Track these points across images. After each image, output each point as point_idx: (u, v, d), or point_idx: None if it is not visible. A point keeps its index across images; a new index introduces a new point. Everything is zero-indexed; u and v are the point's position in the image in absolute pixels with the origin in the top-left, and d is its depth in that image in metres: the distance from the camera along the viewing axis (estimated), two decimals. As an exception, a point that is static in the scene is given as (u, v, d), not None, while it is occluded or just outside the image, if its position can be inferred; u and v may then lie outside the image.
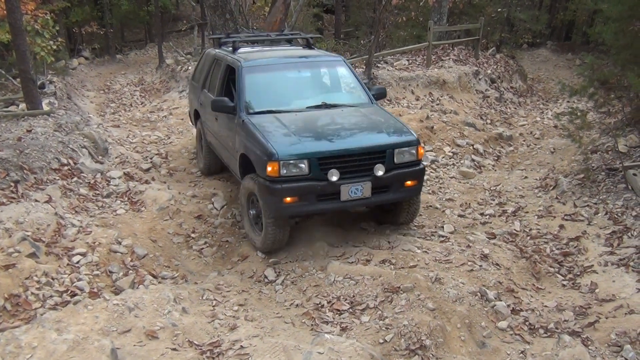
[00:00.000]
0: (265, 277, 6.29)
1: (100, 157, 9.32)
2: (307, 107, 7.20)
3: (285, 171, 6.01)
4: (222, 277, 6.34)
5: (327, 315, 5.50)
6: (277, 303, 5.84)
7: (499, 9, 21.00)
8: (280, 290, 6.04)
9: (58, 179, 7.77)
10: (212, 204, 8.14)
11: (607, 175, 8.59)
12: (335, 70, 8.08)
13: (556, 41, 27.41)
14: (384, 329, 5.24)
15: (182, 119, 13.16)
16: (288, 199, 6.05)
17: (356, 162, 6.24)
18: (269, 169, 6.02)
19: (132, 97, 17.05)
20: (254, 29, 16.04)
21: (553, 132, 12.90)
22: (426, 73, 14.99)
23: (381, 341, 5.08)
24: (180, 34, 28.51)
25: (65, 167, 8.22)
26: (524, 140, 12.66)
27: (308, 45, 8.91)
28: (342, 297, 5.71)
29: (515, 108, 16.10)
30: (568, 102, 15.34)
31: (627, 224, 7.20)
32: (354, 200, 6.31)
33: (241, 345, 4.90)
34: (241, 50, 8.33)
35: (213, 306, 5.69)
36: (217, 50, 8.96)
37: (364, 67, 14.62)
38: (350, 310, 5.51)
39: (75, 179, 8.11)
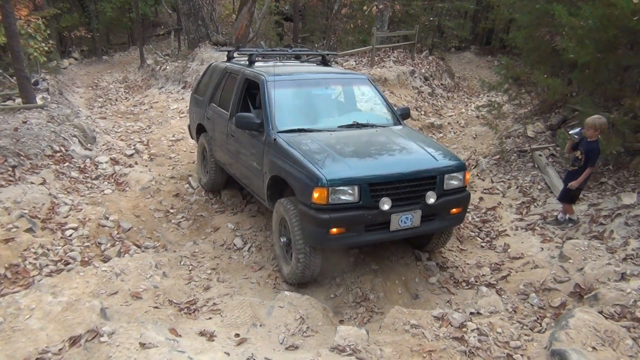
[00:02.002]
0: (234, 245, 6.27)
1: (89, 145, 9.07)
2: (339, 127, 5.79)
3: (333, 198, 4.63)
4: (197, 246, 6.29)
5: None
6: (244, 266, 5.84)
7: (431, 18, 21.17)
8: (247, 256, 6.04)
9: (51, 164, 7.54)
10: (189, 184, 8.03)
11: (518, 156, 8.81)
12: (361, 88, 6.62)
13: (478, 45, 27.78)
14: (334, 286, 5.31)
15: (161, 112, 12.90)
16: (335, 229, 4.66)
17: (408, 189, 4.91)
18: (316, 195, 4.62)
19: (117, 92, 16.59)
20: (223, 34, 15.79)
21: (475, 121, 13.12)
22: (370, 72, 15.00)
23: (332, 296, 5.15)
24: (159, 38, 27.84)
25: (58, 154, 7.98)
26: (451, 128, 12.85)
27: (324, 62, 7.38)
28: (299, 260, 5.74)
29: (445, 101, 16.31)
30: (487, 96, 15.59)
31: (533, 196, 7.42)
32: (403, 230, 4.94)
33: (214, 303, 4.90)
34: (257, 64, 6.85)
35: (189, 270, 5.65)
36: (228, 64, 7.32)
37: (318, 66, 14.54)
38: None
39: (66, 164, 7.88)
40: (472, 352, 3.92)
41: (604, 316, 4.27)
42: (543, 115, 10.05)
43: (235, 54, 7.65)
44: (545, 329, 4.38)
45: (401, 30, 19.94)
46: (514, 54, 11.81)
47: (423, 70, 17.22)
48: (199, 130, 7.94)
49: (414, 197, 4.93)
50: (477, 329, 4.15)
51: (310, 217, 4.69)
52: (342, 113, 6.23)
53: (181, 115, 12.32)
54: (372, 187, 4.71)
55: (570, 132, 6.20)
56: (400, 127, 6.08)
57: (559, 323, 4.19)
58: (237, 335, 4.31)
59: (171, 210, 7.28)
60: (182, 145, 10.13)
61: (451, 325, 4.16)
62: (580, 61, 7.16)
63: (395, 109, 6.46)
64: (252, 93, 6.54)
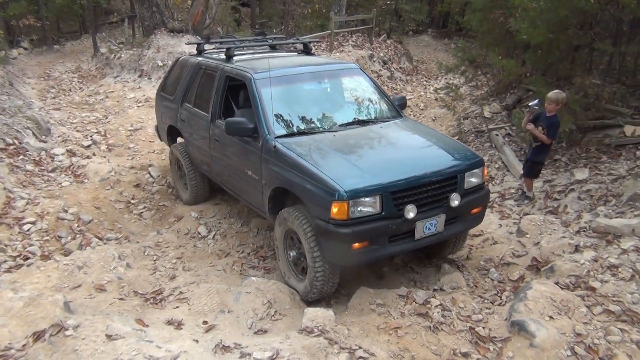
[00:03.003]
0: (199, 233, 6.23)
1: (43, 137, 8.80)
2: (340, 125, 5.22)
3: (354, 212, 4.13)
4: (161, 236, 6.22)
5: (253, 262, 5.55)
6: (210, 254, 5.82)
7: (388, 2, 21.27)
8: (212, 244, 6.02)
9: (5, 158, 7.29)
10: (149, 173, 7.91)
11: (476, 136, 9.02)
12: (354, 79, 5.94)
13: (435, 29, 28.07)
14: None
15: (118, 102, 12.59)
16: (357, 244, 4.19)
17: (432, 193, 4.46)
18: (335, 210, 4.10)
19: (70, 83, 16.08)
20: (178, 21, 15.49)
21: (434, 103, 13.32)
22: (329, 56, 15.02)
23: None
24: (112, 26, 27.01)
25: (11, 147, 7.72)
26: (411, 111, 13.00)
27: (307, 51, 6.71)
28: (265, 245, 5.77)
29: (404, 85, 16.48)
30: (445, 78, 15.81)
31: (491, 174, 7.62)
32: (428, 237, 4.52)
33: (180, 291, 4.88)
34: (235, 58, 6.05)
35: (154, 260, 5.60)
36: (200, 58, 6.54)
37: (277, 52, 14.45)
38: (273, 256, 5.58)
39: (21, 157, 7.63)
40: (437, 327, 4.03)
41: (560, 287, 4.46)
42: (499, 95, 10.28)
43: (206, 46, 6.96)
44: (505, 301, 4.54)
45: (359, 14, 19.97)
46: (470, 36, 11.99)
47: (382, 54, 17.33)
48: (171, 133, 7.25)
49: (438, 200, 4.49)
50: (441, 304, 4.26)
51: (329, 233, 4.18)
52: (339, 109, 5.59)
53: (139, 105, 12.08)
54: (395, 195, 4.24)
55: (530, 104, 6.36)
56: (403, 120, 5.57)
57: (517, 295, 4.35)
58: (205, 322, 4.32)
59: (132, 201, 7.16)
60: (141, 134, 9.95)
61: (415, 303, 4.27)
62: (533, 42, 7.36)
63: (396, 98, 5.95)
64: (234, 92, 6.00)
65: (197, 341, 3.92)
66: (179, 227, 6.42)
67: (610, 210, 5.71)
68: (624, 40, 7.65)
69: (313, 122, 5.21)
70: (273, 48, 6.92)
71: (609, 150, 6.94)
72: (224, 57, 6.07)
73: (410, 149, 4.93)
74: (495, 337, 4.02)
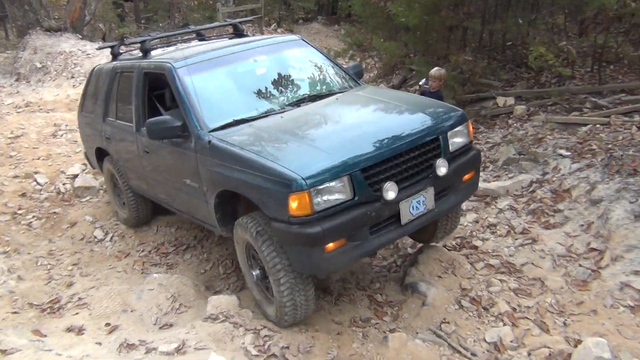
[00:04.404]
0: (95, 237, 6.04)
1: None
2: (289, 105, 4.41)
3: (319, 202, 3.31)
4: (54, 244, 5.95)
5: (154, 259, 5.49)
6: (108, 257, 5.67)
7: (276, -9, 21.36)
8: (110, 246, 5.86)
9: None
10: (36, 181, 7.49)
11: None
12: (298, 52, 5.10)
13: (325, 16, 28.52)
14: (204, 261, 5.38)
15: (-6, 108, 11.74)
16: (331, 244, 3.37)
17: (412, 163, 3.68)
18: (294, 204, 3.27)
19: (-64, 92, 14.74)
20: (55, 19, 14.65)
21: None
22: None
23: (202, 271, 5.23)
24: (-20, 28, 24.95)
25: None
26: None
27: (238, 33, 5.89)
28: (166, 242, 5.72)
29: (298, 72, 16.67)
30: (337, 64, 16.23)
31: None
32: (417, 219, 3.73)
33: (79, 297, 4.77)
34: (153, 53, 5.26)
35: (48, 270, 5.38)
36: (115, 63, 5.66)
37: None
38: (174, 251, 5.56)
39: None
40: (337, 299, 4.26)
41: (447, 249, 4.85)
42: (386, 77, 10.76)
43: (121, 49, 5.92)
44: (400, 268, 4.86)
45: (247, 4, 19.89)
46: (357, 21, 12.39)
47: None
48: (101, 157, 6.18)
49: (421, 171, 3.72)
50: (341, 278, 4.50)
51: (292, 236, 3.37)
52: (285, 88, 4.74)
53: (18, 110, 11.30)
54: (367, 173, 3.45)
55: (420, 84, 6.75)
56: (361, 88, 4.83)
57: (410, 261, 4.69)
58: (107, 324, 4.26)
59: (19, 212, 6.76)
60: (23, 141, 9.32)
61: (317, 279, 4.46)
62: (410, 24, 7.78)
63: (351, 66, 5.20)
64: (157, 91, 5.23)
65: (100, 344, 3.88)
66: (73, 233, 6.18)
67: (489, 175, 6.23)
68: (491, 19, 8.29)
69: (253, 107, 4.37)
70: (200, 37, 6.18)
71: (485, 121, 7.53)
72: (140, 54, 5.27)
73: (377, 117, 4.20)
74: (391, 302, 4.31)
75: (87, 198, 6.92)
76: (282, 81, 4.82)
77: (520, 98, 7.66)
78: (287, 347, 3.59)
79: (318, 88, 4.79)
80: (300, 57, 5.09)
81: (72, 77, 12.25)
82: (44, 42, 13.82)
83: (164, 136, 4.22)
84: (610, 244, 4.38)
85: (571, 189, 5.23)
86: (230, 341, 3.62)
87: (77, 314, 4.50)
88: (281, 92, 4.66)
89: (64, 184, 7.14)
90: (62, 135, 8.81)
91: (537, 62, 7.24)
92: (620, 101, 6.83)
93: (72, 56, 13.00)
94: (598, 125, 6.21)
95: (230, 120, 4.17)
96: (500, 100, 7.61)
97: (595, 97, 7.03)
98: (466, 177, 4.10)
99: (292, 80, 4.88)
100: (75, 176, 7.30)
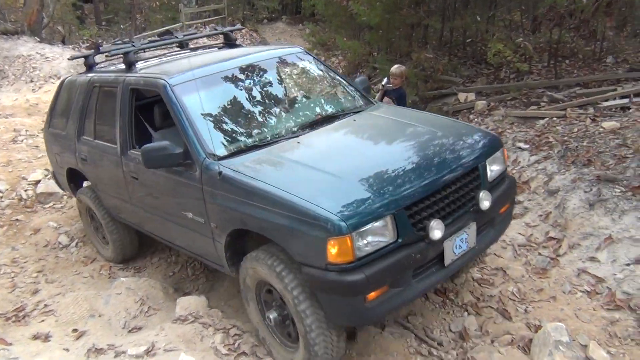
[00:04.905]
0: (60, 243, 5.94)
1: None
2: (301, 127, 3.90)
3: (361, 246, 2.89)
4: (17, 252, 5.83)
5: (121, 263, 5.45)
6: (74, 263, 5.60)
7: (240, -9, 21.29)
8: (76, 252, 5.78)
9: None
10: (-5, 188, 7.33)
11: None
12: (302, 66, 4.60)
13: (289, 15, 28.55)
14: (172, 264, 5.37)
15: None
16: (373, 293, 2.97)
17: (454, 197, 3.29)
18: (333, 250, 2.84)
19: None
20: (11, 21, 14.28)
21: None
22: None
23: (171, 274, 5.22)
24: None
25: None
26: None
27: (229, 43, 5.33)
28: (132, 245, 5.68)
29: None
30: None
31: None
32: (460, 259, 3.36)
33: (45, 304, 4.71)
34: (138, 65, 4.70)
35: (12, 278, 5.28)
36: (92, 75, 5.01)
37: (127, 48, 13.92)
38: (142, 254, 5.52)
39: None
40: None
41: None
42: (351, 75, 10.84)
43: (95, 58, 5.30)
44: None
45: (210, 4, 19.78)
46: (321, 21, 12.46)
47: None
48: (73, 178, 5.63)
49: (463, 205, 3.35)
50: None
51: (329, 285, 2.93)
52: (293, 107, 4.24)
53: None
54: (411, 211, 3.06)
55: (382, 83, 6.85)
56: (376, 107, 4.35)
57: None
58: (75, 330, 4.22)
59: (-21, 220, 6.62)
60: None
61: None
62: (372, 23, 7.90)
63: (358, 80, 4.72)
64: (145, 109, 4.69)
65: (67, 350, 3.85)
66: (37, 240, 6.06)
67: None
68: (451, 17, 8.47)
69: (262, 130, 3.87)
70: (182, 48, 5.54)
71: (447, 117, 7.69)
72: (123, 66, 4.70)
73: (410, 144, 3.70)
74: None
75: (51, 204, 6.80)
76: (291, 100, 4.31)
77: (481, 93, 7.86)
78: (257, 345, 3.63)
79: (330, 107, 4.30)
80: (306, 71, 4.62)
81: (31, 81, 11.98)
82: (0, 46, 13.48)
83: (163, 164, 3.65)
84: (567, 233, 4.56)
85: (530, 181, 5.40)
86: (200, 341, 3.65)
87: (43, 321, 4.44)
88: (291, 112, 4.16)
89: (25, 191, 7.00)
90: (22, 141, 8.62)
91: (496, 58, 7.45)
92: (576, 94, 7.07)
93: (30, 60, 12.72)
94: (555, 119, 6.42)
95: (240, 146, 3.68)
96: (462, 96, 7.78)
97: (552, 91, 7.27)
98: (503, 209, 3.70)
99: (302, 98, 4.38)
100: (38, 182, 7.15)
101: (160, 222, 4.36)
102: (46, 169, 7.35)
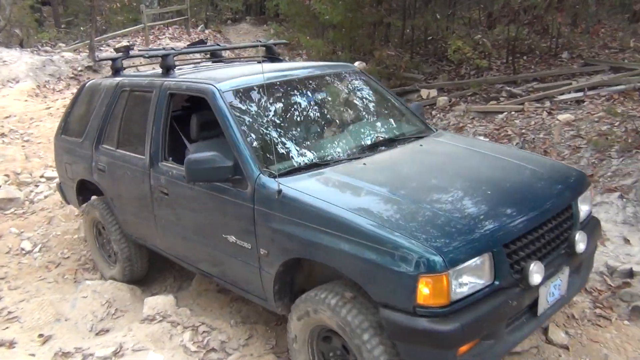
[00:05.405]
0: (22, 249, 5.82)
1: None
2: (363, 150, 3.53)
3: (457, 287, 2.46)
4: (-24, 260, 5.72)
5: (87, 267, 5.39)
6: (38, 268, 5.49)
7: (202, -9, 21.15)
8: (39, 257, 5.68)
9: None
10: (-46, 196, 7.14)
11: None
12: (356, 84, 4.24)
13: (254, 16, 28.50)
14: (139, 265, 5.33)
15: None
16: (466, 346, 2.53)
17: (551, 236, 2.89)
18: (425, 290, 2.40)
19: None
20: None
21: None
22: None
23: (138, 275, 5.18)
24: None
25: None
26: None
27: (272, 57, 4.89)
28: (98, 249, 5.62)
29: (228, 73, 16.57)
30: (267, 63, 16.24)
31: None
32: (550, 308, 2.92)
33: (8, 311, 4.61)
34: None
35: (-27, 287, 5.17)
36: (119, 79, 4.63)
37: (88, 51, 13.71)
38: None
39: None
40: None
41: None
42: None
43: (122, 62, 4.89)
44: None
45: (172, 5, 19.59)
46: (285, 21, 12.51)
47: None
48: (82, 191, 5.14)
49: (557, 247, 2.95)
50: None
51: (417, 334, 2.46)
52: (351, 127, 3.87)
53: None
54: (509, 249, 2.63)
55: None
56: (440, 134, 4.00)
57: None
58: (40, 335, 4.15)
59: None
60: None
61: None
62: (334, 21, 7.99)
63: (413, 105, 4.35)
64: (180, 119, 4.29)
65: (33, 355, 3.80)
66: (-1, 247, 5.96)
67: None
68: (412, 15, 8.64)
69: (323, 147, 3.49)
70: (215, 57, 5.09)
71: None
72: (159, 70, 4.31)
73: (494, 174, 3.27)
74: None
75: (12, 210, 6.66)
76: (349, 118, 3.97)
77: (443, 90, 8.04)
78: (226, 341, 3.66)
79: (390, 130, 3.93)
80: (360, 90, 4.25)
81: (-12, 86, 11.69)
82: (-46, 51, 13.11)
83: (209, 179, 3.23)
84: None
85: (490, 173, 5.56)
86: (169, 340, 3.66)
87: (7, 328, 4.36)
88: (350, 131, 3.79)
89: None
90: (-21, 147, 8.42)
91: (456, 55, 7.64)
92: (533, 89, 7.32)
93: (-14, 63, 12.41)
94: (513, 112, 6.63)
95: (297, 163, 3.27)
96: (424, 93, 7.95)
97: (510, 86, 7.50)
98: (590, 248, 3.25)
99: (359, 118, 4.02)
100: (-3, 188, 7.01)
101: (191, 245, 3.88)
102: (6, 175, 7.21)
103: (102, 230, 5.02)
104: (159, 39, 16.46)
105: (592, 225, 3.32)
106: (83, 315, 4.31)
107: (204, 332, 3.72)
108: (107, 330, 4.15)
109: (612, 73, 7.52)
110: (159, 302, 4.08)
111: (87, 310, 4.35)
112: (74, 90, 10.61)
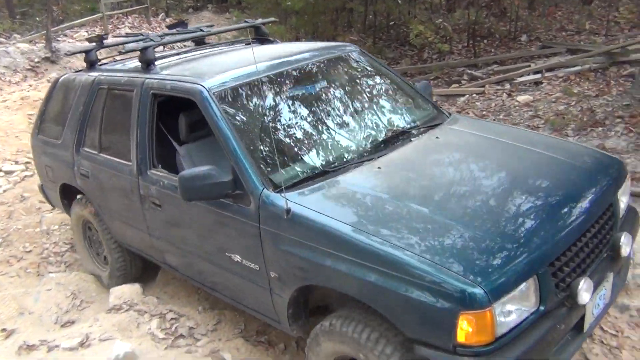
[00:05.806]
0: (-18, 244, 5.71)
1: None
2: (375, 148, 3.08)
3: (502, 321, 2.10)
4: None
5: (50, 260, 5.29)
6: (-1, 263, 5.40)
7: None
8: (0, 252, 5.56)
9: None
10: None
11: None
12: (359, 66, 3.75)
13: (216, 4, 28.10)
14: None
15: None
16: None
17: (594, 242, 2.54)
18: (469, 328, 2.03)
19: None
20: None
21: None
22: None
23: (103, 266, 5.12)
24: None
25: None
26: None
27: (262, 38, 4.37)
28: (60, 241, 5.53)
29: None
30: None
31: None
32: (595, 320, 2.59)
33: (-31, 309, 4.51)
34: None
35: None
36: (95, 74, 4.10)
37: (45, 42, 13.32)
38: (71, 249, 5.39)
39: None
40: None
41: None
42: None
43: (96, 54, 4.40)
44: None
45: (131, -6, 19.21)
46: (247, 8, 12.40)
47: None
48: (66, 194, 4.74)
49: (600, 253, 2.60)
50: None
51: None
52: (358, 119, 3.35)
53: None
54: (554, 268, 2.29)
55: None
56: (454, 119, 3.55)
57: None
58: (3, 330, 4.08)
59: None
60: None
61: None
62: (296, 8, 7.97)
63: (420, 84, 3.88)
64: (166, 117, 3.69)
65: (-4, 350, 3.73)
66: (-43, 243, 5.79)
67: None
68: (373, 0, 8.67)
69: (325, 150, 3.04)
70: (199, 44, 4.60)
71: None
72: (138, 64, 3.77)
73: (524, 171, 2.82)
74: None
75: (-31, 205, 6.49)
76: (357, 110, 3.41)
77: (406, 74, 8.12)
78: (195, 327, 3.66)
79: (401, 120, 3.45)
80: (364, 73, 3.76)
81: (-61, 79, 11.27)
82: None
83: (206, 197, 2.81)
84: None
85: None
86: (136, 328, 3.64)
87: (-32, 324, 4.28)
88: (359, 126, 3.29)
89: None
90: None
91: (418, 39, 7.72)
92: (493, 72, 7.46)
93: (-63, 56, 11.95)
94: (474, 95, 6.76)
95: (305, 172, 2.84)
96: (387, 78, 8.01)
97: (472, 70, 7.64)
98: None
99: (367, 108, 3.46)
100: (-47, 183, 6.80)
101: (190, 260, 3.49)
102: (-38, 170, 7.00)
103: (91, 228, 4.66)
104: (118, 28, 16.11)
105: (631, 220, 2.95)
106: (47, 308, 4.25)
107: (171, 319, 3.71)
108: (73, 322, 4.10)
109: (569, 55, 7.72)
110: (125, 291, 4.05)
111: (51, 302, 4.30)
112: (32, 82, 10.37)
